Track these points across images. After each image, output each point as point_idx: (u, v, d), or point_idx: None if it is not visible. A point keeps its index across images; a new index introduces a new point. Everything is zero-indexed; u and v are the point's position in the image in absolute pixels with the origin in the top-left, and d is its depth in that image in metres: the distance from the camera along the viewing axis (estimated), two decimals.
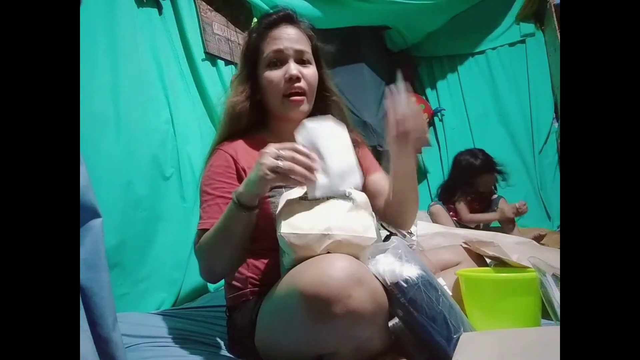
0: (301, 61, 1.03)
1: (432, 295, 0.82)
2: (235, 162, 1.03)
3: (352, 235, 0.81)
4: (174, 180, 1.73)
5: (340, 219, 0.83)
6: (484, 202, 2.68)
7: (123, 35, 1.59)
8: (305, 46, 1.04)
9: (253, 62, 1.06)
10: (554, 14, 3.02)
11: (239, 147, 1.06)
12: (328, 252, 0.80)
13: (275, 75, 1.01)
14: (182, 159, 1.78)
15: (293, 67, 1.00)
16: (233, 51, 2.21)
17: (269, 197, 0.97)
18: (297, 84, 1.01)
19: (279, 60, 1.01)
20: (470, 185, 2.61)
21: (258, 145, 1.06)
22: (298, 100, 1.02)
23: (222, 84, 2.10)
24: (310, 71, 1.04)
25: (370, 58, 3.10)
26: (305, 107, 1.04)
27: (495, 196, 2.69)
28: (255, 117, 1.07)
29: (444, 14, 3.09)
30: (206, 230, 0.97)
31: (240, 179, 1.01)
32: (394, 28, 3.22)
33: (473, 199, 2.65)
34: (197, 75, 1.98)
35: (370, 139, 2.58)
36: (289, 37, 1.02)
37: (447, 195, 2.69)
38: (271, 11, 1.08)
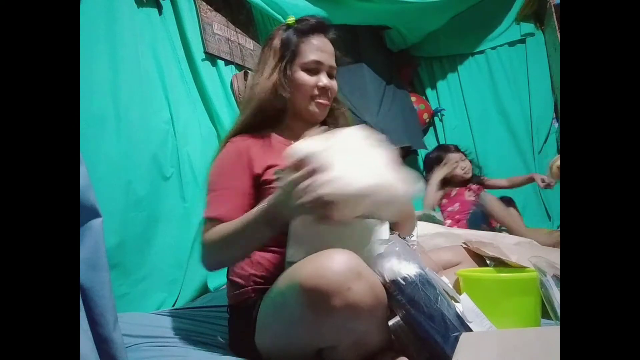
0: (330, 75, 1.13)
1: (430, 293, 0.82)
2: (247, 153, 1.05)
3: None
4: (174, 180, 1.73)
5: None
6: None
7: (123, 35, 1.59)
8: (335, 62, 1.14)
9: (290, 58, 1.10)
10: (554, 14, 3.02)
11: (251, 141, 1.08)
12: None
13: (309, 79, 1.10)
14: (182, 159, 1.78)
15: (326, 80, 1.11)
16: (233, 51, 2.21)
17: (272, 187, 0.97)
18: (325, 94, 1.11)
19: (317, 69, 1.11)
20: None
21: (271, 141, 1.10)
22: (326, 103, 1.12)
23: (222, 84, 2.10)
24: (334, 85, 1.14)
25: (370, 58, 3.10)
26: (326, 112, 1.14)
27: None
28: (275, 109, 1.10)
29: (444, 14, 3.08)
30: (212, 218, 0.97)
31: (250, 171, 1.03)
32: (394, 28, 3.21)
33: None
34: (197, 75, 1.98)
35: None
36: (328, 51, 1.13)
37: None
38: (306, 16, 1.15)
